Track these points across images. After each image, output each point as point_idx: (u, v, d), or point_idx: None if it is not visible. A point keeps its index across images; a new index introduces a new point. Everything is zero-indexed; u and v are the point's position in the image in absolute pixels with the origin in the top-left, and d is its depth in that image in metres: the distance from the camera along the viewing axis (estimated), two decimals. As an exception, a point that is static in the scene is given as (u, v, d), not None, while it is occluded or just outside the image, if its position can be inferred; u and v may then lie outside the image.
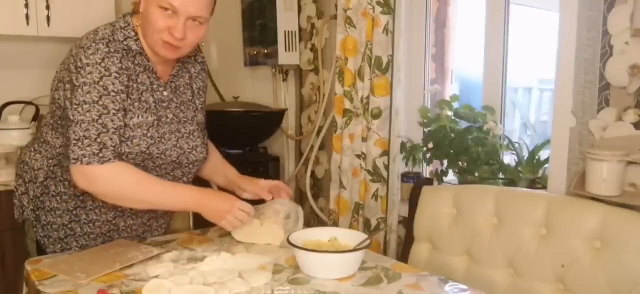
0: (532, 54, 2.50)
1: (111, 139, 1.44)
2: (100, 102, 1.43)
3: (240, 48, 3.05)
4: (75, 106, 1.43)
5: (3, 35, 2.49)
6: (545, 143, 2.03)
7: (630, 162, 1.63)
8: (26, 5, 2.44)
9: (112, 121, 1.44)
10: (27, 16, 2.45)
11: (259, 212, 1.71)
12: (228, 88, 3.22)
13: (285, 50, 2.78)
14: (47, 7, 2.49)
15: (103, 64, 1.44)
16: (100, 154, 1.42)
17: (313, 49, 2.82)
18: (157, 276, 1.36)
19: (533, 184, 2.02)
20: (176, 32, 1.47)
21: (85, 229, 1.62)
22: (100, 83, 1.44)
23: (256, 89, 3.19)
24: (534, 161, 2.06)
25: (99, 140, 1.43)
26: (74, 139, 1.43)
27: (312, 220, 2.90)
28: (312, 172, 2.85)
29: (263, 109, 2.89)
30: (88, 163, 1.42)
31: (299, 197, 3.05)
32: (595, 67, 1.73)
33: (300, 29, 2.85)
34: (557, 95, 1.83)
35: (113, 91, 1.45)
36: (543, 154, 2.05)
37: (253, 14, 2.92)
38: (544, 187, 1.95)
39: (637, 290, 1.46)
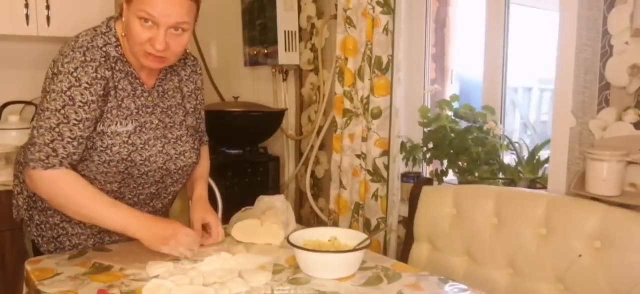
0: (532, 54, 2.50)
1: (64, 148, 1.44)
2: (62, 112, 1.44)
3: (240, 48, 3.05)
4: (40, 112, 1.46)
5: (3, 35, 2.50)
6: (545, 143, 2.03)
7: (630, 162, 1.63)
8: (26, 5, 2.44)
9: (70, 130, 1.44)
10: (27, 16, 2.45)
11: (255, 212, 1.70)
12: (228, 88, 3.22)
13: (285, 50, 2.78)
14: (47, 7, 2.49)
15: (75, 74, 1.44)
16: (47, 161, 1.43)
17: (313, 49, 2.82)
18: (157, 276, 1.37)
19: (533, 184, 2.02)
20: (157, 44, 1.43)
21: (77, 229, 1.62)
22: (68, 93, 1.43)
23: (256, 89, 3.19)
24: (534, 161, 2.06)
25: (51, 146, 1.44)
26: (30, 143, 1.46)
27: (312, 220, 2.90)
28: (312, 172, 2.85)
29: (263, 109, 2.89)
30: (33, 168, 1.44)
31: (299, 197, 3.05)
32: (595, 67, 1.73)
33: (300, 29, 2.85)
34: (557, 95, 1.83)
35: (80, 101, 1.44)
36: (543, 154, 2.05)
37: (253, 14, 2.92)
38: (544, 187, 1.95)
39: (637, 290, 1.46)
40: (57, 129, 1.44)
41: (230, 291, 1.29)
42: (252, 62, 2.99)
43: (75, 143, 1.45)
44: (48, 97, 1.45)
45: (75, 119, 1.44)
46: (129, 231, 1.48)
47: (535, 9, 2.58)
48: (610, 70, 1.69)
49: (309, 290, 1.32)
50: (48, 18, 2.49)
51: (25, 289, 1.45)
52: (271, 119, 2.88)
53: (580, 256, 1.57)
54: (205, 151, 1.85)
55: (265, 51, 2.84)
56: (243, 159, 2.82)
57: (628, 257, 1.49)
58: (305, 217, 2.99)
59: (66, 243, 1.63)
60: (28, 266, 1.45)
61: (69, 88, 1.43)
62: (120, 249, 1.58)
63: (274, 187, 2.89)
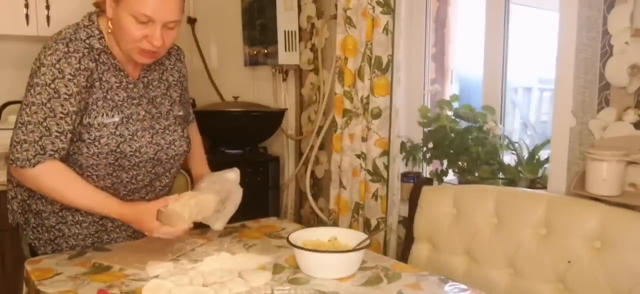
0: (532, 54, 2.50)
1: (53, 143, 1.45)
2: (48, 105, 1.44)
3: (240, 48, 3.05)
4: (24, 106, 1.46)
5: (3, 35, 2.50)
6: (545, 143, 2.03)
7: (630, 162, 1.63)
8: (26, 5, 2.44)
9: (57, 124, 1.45)
10: (27, 16, 2.45)
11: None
12: (228, 88, 3.22)
13: (285, 50, 2.78)
14: (47, 7, 2.49)
15: (58, 66, 1.44)
16: (34, 160, 1.44)
17: (313, 49, 2.82)
18: (157, 276, 1.37)
19: (533, 184, 2.02)
20: (155, 41, 1.46)
21: (73, 230, 1.62)
22: (52, 85, 1.44)
23: (256, 89, 3.19)
24: (534, 161, 2.06)
25: (40, 143, 1.44)
26: (15, 141, 1.46)
27: (312, 220, 2.90)
28: (312, 172, 2.85)
29: (263, 109, 2.89)
30: (21, 167, 1.45)
31: (299, 197, 3.05)
32: (595, 67, 1.73)
33: (300, 29, 2.85)
34: (557, 95, 1.83)
35: (65, 94, 1.44)
36: (543, 154, 2.05)
37: (253, 14, 2.92)
38: (544, 187, 1.95)
39: (637, 290, 1.46)
40: (44, 124, 1.44)
41: (230, 291, 1.29)
42: (252, 62, 2.98)
43: (63, 137, 1.46)
44: (32, 90, 1.45)
45: (62, 113, 1.44)
46: (118, 218, 1.55)
47: (535, 9, 2.58)
48: (610, 70, 1.69)
49: (309, 290, 1.32)
50: (48, 18, 2.49)
51: (25, 289, 1.45)
52: (271, 119, 2.88)
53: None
54: (193, 128, 1.85)
55: (265, 51, 2.84)
56: (243, 159, 2.82)
57: (628, 257, 1.49)
58: (305, 217, 2.99)
59: (63, 244, 1.62)
60: (28, 266, 1.45)
61: (52, 81, 1.44)
62: (120, 249, 1.58)
63: (274, 187, 2.89)
